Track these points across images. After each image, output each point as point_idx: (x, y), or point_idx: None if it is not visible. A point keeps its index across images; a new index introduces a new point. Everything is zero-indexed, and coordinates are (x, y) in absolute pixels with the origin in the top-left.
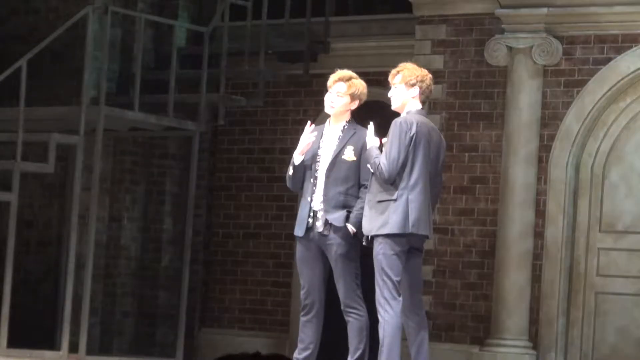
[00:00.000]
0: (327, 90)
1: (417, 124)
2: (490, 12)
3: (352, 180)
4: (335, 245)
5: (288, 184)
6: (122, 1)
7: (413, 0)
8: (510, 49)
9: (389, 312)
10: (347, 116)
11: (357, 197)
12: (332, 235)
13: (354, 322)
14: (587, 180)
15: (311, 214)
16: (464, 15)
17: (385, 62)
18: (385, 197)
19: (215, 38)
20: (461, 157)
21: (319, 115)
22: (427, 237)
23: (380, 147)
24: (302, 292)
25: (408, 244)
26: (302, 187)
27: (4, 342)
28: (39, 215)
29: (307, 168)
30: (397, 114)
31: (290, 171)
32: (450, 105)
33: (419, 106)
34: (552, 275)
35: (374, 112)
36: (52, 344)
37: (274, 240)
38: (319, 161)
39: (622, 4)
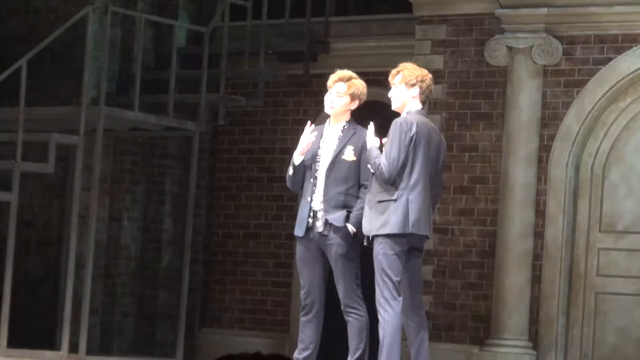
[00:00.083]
0: (327, 90)
1: (417, 124)
2: (490, 12)
3: (352, 180)
4: (335, 245)
5: (288, 184)
6: (122, 1)
7: (413, 0)
8: (510, 49)
9: (389, 312)
10: (347, 116)
11: (357, 197)
12: (332, 235)
13: (354, 322)
14: (587, 180)
15: (311, 214)
16: (464, 15)
17: (385, 62)
18: (385, 197)
19: (215, 38)
20: (461, 157)
21: (319, 115)
22: (427, 237)
23: (381, 147)
24: (302, 292)
25: (408, 244)
26: (302, 187)
27: (4, 342)
28: (39, 215)
29: (307, 168)
30: (397, 114)
31: (290, 171)
32: (450, 105)
33: (419, 106)
34: (552, 275)
35: (374, 112)
36: (52, 344)
37: (274, 240)
38: (319, 161)
39: (622, 4)
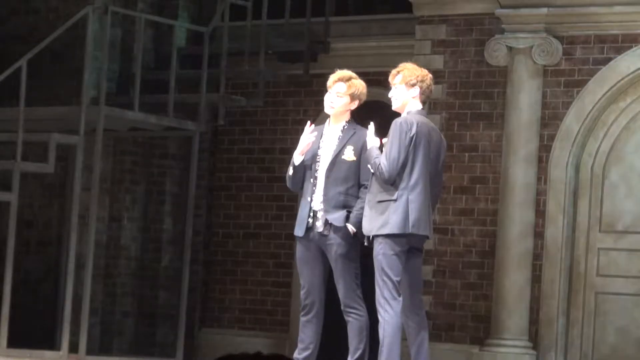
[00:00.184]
0: (327, 90)
1: (417, 124)
2: (490, 12)
3: (352, 180)
4: (335, 245)
5: (288, 184)
6: (122, 1)
7: (413, 0)
8: (510, 49)
9: (389, 312)
10: (347, 116)
11: (357, 197)
12: (332, 235)
13: (354, 322)
14: (587, 180)
15: (311, 214)
16: (464, 15)
17: (385, 62)
18: (385, 197)
19: (215, 38)
20: (461, 157)
21: (319, 115)
22: (427, 237)
23: (381, 147)
24: (302, 292)
25: (408, 244)
26: (302, 187)
27: (4, 342)
28: (39, 215)
29: (307, 168)
30: (397, 114)
31: (290, 171)
32: (450, 105)
33: (420, 106)
34: (552, 275)
35: (374, 112)
36: (52, 344)
37: (274, 240)
38: (318, 161)
39: (622, 4)
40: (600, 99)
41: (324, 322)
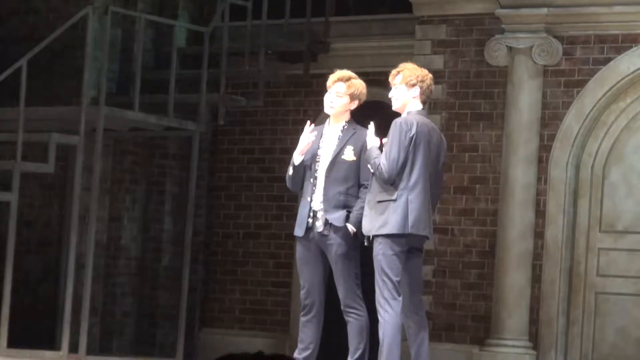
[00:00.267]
0: (326, 91)
1: (417, 124)
2: (490, 12)
3: (351, 180)
4: (335, 245)
5: (288, 184)
6: (122, 1)
7: (413, 0)
8: (510, 49)
9: (389, 312)
10: (347, 116)
11: (357, 197)
12: (332, 235)
13: (354, 322)
14: (587, 180)
15: (311, 214)
16: (464, 15)
17: (386, 62)
18: (385, 197)
19: (215, 38)
20: (461, 157)
21: (319, 115)
22: (427, 237)
23: (381, 147)
24: (302, 292)
25: (408, 244)
26: (302, 187)
27: (4, 342)
28: (39, 215)
29: (307, 168)
30: (397, 114)
31: (290, 171)
32: (450, 105)
33: (420, 106)
34: (552, 275)
35: (374, 112)
36: (52, 344)
37: (274, 240)
38: (318, 161)
39: (622, 4)
40: (600, 99)
41: (324, 322)
